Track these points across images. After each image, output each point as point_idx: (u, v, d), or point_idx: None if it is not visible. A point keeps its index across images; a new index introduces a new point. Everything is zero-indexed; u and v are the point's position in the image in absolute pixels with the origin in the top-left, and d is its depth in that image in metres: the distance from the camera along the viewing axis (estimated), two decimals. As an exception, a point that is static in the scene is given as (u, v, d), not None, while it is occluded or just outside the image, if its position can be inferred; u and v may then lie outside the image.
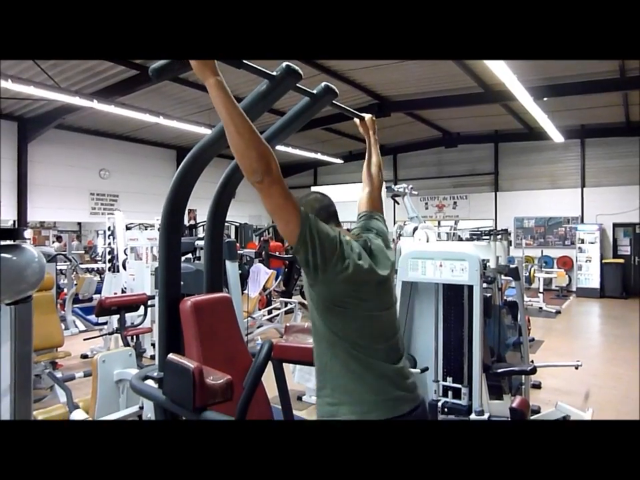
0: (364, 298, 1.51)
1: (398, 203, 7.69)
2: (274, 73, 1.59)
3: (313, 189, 4.85)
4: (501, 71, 6.73)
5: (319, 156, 13.87)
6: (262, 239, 9.85)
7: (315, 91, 1.84)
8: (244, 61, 1.49)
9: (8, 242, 0.93)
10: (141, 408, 2.82)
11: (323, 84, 1.85)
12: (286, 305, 8.14)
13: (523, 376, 3.90)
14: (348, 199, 4.71)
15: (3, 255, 0.89)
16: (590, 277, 12.35)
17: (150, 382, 1.89)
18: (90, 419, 2.74)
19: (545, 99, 8.93)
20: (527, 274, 10.24)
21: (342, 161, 14.92)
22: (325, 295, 1.47)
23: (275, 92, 1.63)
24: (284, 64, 1.57)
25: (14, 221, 10.63)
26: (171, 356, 1.58)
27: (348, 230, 1.78)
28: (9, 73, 7.57)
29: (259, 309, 7.51)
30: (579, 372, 4.81)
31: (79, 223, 16.57)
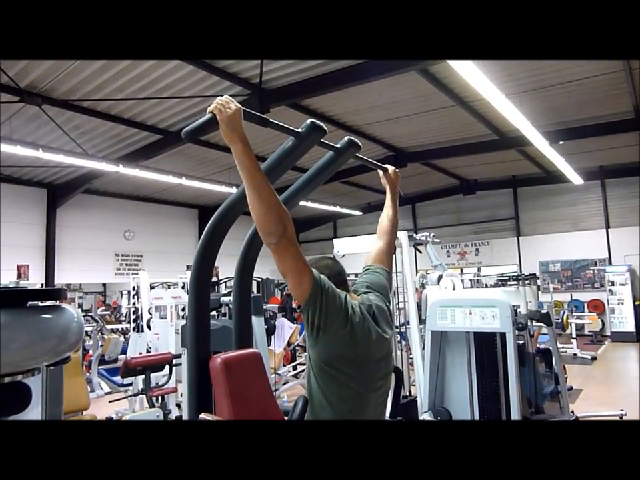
0: (360, 362, 1.54)
1: (420, 252, 7.68)
2: (299, 130, 1.63)
3: (335, 240, 4.87)
4: (515, 117, 6.83)
5: (337, 209, 14.02)
6: (285, 293, 9.83)
7: (338, 145, 1.88)
8: (270, 120, 1.54)
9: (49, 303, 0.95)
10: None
11: (346, 138, 1.90)
12: (311, 360, 7.97)
13: (565, 427, 3.70)
14: (368, 249, 4.69)
15: (44, 315, 0.89)
16: (624, 320, 11.89)
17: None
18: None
19: (561, 142, 8.98)
20: (559, 320, 9.93)
21: (361, 213, 15.04)
22: (323, 356, 1.52)
23: (300, 148, 1.68)
24: (308, 121, 1.62)
25: (41, 284, 10.84)
26: (202, 415, 1.54)
27: (355, 292, 1.79)
28: (40, 142, 7.96)
29: (284, 365, 7.39)
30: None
31: (104, 284, 16.81)
